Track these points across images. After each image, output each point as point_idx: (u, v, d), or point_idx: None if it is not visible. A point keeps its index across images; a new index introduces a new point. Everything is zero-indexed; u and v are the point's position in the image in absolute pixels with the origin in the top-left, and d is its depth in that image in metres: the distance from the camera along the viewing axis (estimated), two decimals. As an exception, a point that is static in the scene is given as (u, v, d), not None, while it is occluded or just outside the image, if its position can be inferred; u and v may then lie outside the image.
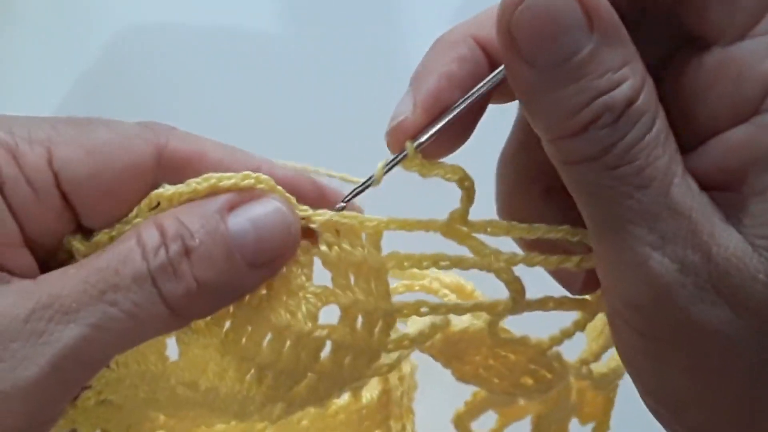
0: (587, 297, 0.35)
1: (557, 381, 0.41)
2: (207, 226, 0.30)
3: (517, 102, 0.31)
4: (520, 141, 0.34)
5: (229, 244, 0.30)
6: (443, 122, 0.30)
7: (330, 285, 0.33)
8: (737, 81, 0.28)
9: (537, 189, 0.34)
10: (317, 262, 0.33)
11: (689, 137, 0.29)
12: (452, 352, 0.39)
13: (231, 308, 0.33)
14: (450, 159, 0.32)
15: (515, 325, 0.38)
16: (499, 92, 0.31)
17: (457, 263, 0.33)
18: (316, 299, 0.32)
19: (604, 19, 0.27)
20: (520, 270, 0.34)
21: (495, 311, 0.35)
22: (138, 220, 0.31)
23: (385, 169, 0.32)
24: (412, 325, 0.36)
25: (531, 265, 0.33)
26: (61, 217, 0.31)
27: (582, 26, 0.27)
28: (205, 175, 0.31)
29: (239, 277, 0.31)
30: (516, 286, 0.34)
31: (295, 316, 0.32)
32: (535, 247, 0.34)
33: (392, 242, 0.34)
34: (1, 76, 0.79)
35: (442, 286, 0.43)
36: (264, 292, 0.32)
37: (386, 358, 0.35)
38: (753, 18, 0.27)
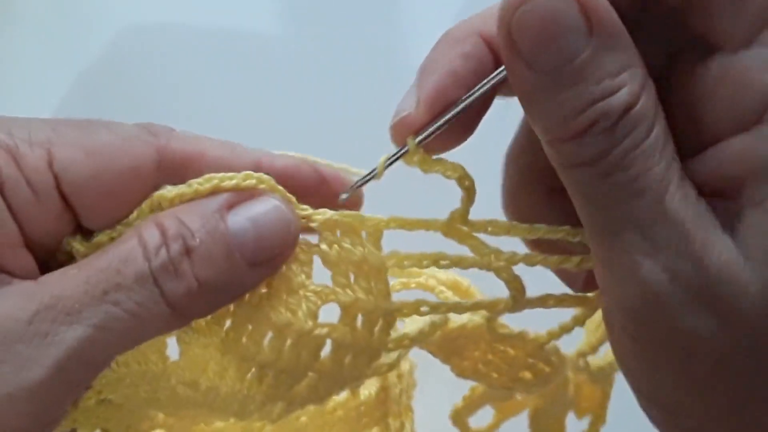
0: (588, 294, 0.35)
1: (555, 374, 0.41)
2: (207, 225, 0.30)
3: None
4: (525, 140, 0.34)
5: (228, 243, 0.30)
6: (445, 119, 0.30)
7: (330, 284, 0.33)
8: (741, 89, 0.27)
9: (541, 188, 0.34)
10: (317, 260, 0.33)
11: (690, 142, 0.28)
12: (451, 348, 0.39)
13: (231, 307, 0.33)
14: (454, 157, 0.32)
15: (514, 320, 0.38)
16: (507, 86, 0.30)
17: (458, 262, 0.33)
18: (316, 297, 0.32)
19: (603, 22, 0.27)
20: (520, 267, 0.34)
21: (495, 310, 0.35)
22: (139, 221, 0.31)
23: (387, 164, 0.32)
24: (410, 323, 0.36)
25: (531, 264, 0.33)
26: (61, 218, 0.31)
27: (581, 30, 0.26)
28: (207, 176, 0.31)
29: (239, 275, 0.31)
30: (516, 285, 0.34)
31: (296, 315, 0.32)
32: (538, 246, 0.34)
33: (392, 241, 0.34)
34: (1, 76, 0.79)
35: (438, 283, 0.43)
36: (264, 290, 0.32)
37: (386, 358, 0.35)
38: (760, 25, 0.27)
